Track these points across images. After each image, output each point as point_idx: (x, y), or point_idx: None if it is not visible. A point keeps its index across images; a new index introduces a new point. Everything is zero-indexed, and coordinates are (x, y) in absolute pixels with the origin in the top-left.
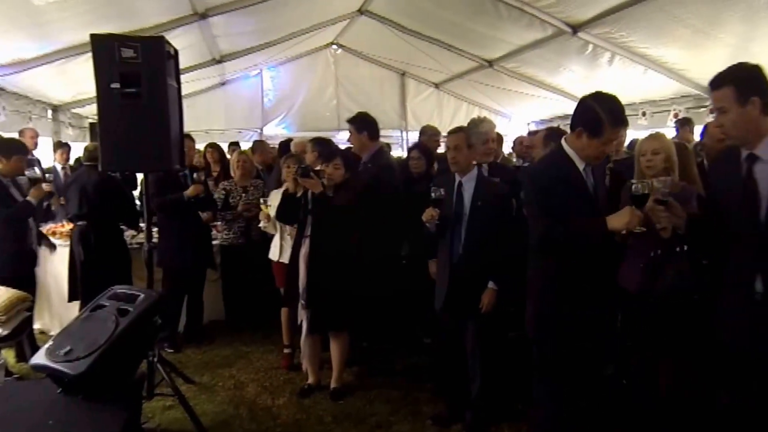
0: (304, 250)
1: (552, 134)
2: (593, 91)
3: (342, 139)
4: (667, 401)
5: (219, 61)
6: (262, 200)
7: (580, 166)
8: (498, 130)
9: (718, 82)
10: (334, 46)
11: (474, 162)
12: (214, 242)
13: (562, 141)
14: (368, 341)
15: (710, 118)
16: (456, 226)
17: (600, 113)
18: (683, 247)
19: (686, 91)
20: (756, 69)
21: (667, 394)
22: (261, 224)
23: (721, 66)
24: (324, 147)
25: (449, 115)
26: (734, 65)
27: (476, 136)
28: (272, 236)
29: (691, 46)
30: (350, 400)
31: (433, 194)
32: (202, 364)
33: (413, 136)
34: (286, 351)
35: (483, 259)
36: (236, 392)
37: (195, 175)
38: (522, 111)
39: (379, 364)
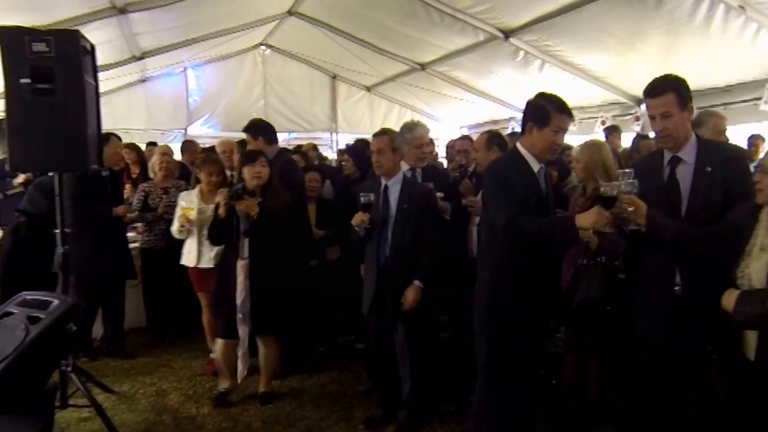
0: (242, 262)
1: (493, 137)
2: (526, 96)
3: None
4: (596, 400)
5: (140, 58)
6: (182, 203)
7: (535, 168)
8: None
9: (660, 89)
10: (263, 47)
11: (409, 164)
12: (134, 245)
13: (517, 144)
14: (302, 344)
15: (636, 126)
16: (383, 229)
17: (545, 104)
18: (602, 259)
19: (613, 98)
20: (685, 80)
21: (597, 393)
22: (175, 227)
23: (645, 76)
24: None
25: (380, 117)
26: (668, 75)
27: (409, 140)
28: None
29: (618, 57)
30: (279, 405)
31: (362, 199)
32: (122, 372)
33: (344, 139)
34: (212, 356)
35: (409, 260)
36: (158, 400)
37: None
38: (454, 115)
39: (311, 367)
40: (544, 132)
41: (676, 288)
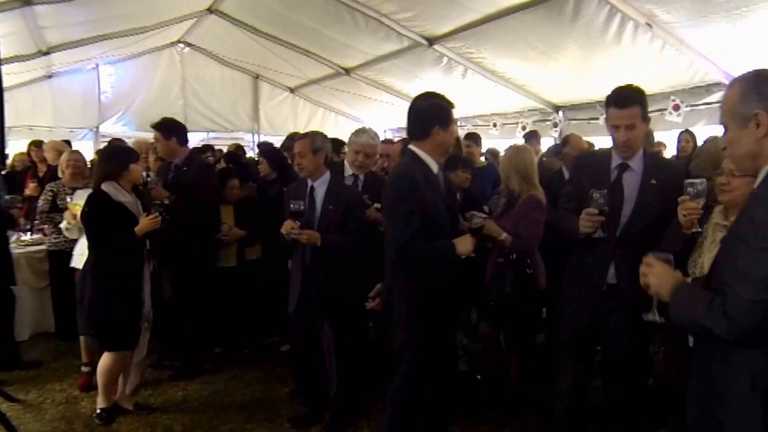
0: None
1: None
2: (459, 106)
3: (189, 139)
4: (517, 393)
5: (46, 53)
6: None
7: (435, 170)
8: None
9: (628, 101)
10: (181, 45)
11: (352, 171)
12: (40, 247)
13: (413, 148)
14: (221, 347)
15: (554, 132)
16: (308, 229)
17: (443, 103)
18: (514, 256)
19: (533, 105)
20: (645, 93)
21: (518, 385)
22: (63, 224)
23: (562, 85)
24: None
25: (304, 119)
26: (633, 87)
27: (350, 143)
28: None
29: (537, 66)
30: (201, 408)
31: (292, 206)
32: (28, 381)
33: (268, 140)
34: (84, 370)
35: (334, 260)
36: (69, 408)
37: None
38: (378, 118)
39: (233, 370)
40: (448, 130)
41: (609, 283)
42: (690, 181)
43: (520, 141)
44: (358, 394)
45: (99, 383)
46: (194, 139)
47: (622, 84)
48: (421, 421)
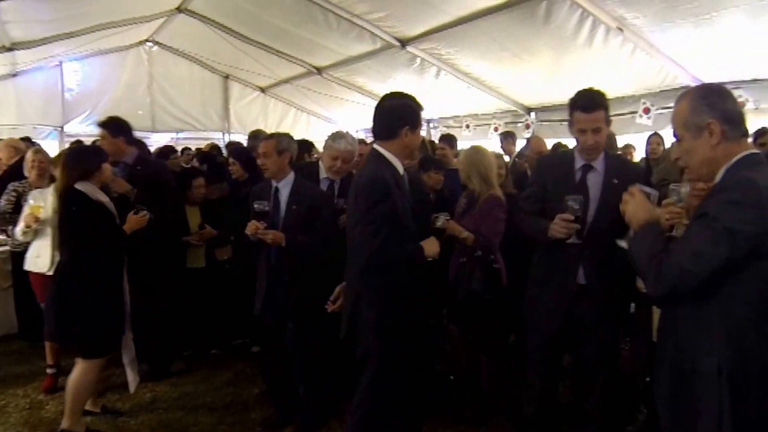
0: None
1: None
2: (427, 104)
3: (158, 140)
4: (488, 393)
5: (9, 49)
6: (30, 201)
7: (400, 170)
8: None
9: (594, 105)
10: (149, 43)
11: (327, 175)
12: (4, 248)
13: (379, 149)
14: (190, 349)
15: (527, 133)
16: (272, 230)
17: (413, 105)
18: (478, 253)
19: (506, 107)
20: (606, 95)
21: (489, 386)
22: (20, 227)
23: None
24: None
25: (275, 119)
26: (596, 91)
27: (327, 147)
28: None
29: (509, 68)
30: (170, 411)
31: (256, 207)
32: None
33: (237, 139)
34: (49, 371)
35: (299, 260)
36: (33, 414)
37: None
38: (350, 118)
39: (203, 372)
40: (416, 132)
41: (579, 284)
42: (675, 186)
43: (493, 142)
44: (327, 394)
45: (71, 400)
46: (163, 139)
47: (594, 87)
48: (391, 423)
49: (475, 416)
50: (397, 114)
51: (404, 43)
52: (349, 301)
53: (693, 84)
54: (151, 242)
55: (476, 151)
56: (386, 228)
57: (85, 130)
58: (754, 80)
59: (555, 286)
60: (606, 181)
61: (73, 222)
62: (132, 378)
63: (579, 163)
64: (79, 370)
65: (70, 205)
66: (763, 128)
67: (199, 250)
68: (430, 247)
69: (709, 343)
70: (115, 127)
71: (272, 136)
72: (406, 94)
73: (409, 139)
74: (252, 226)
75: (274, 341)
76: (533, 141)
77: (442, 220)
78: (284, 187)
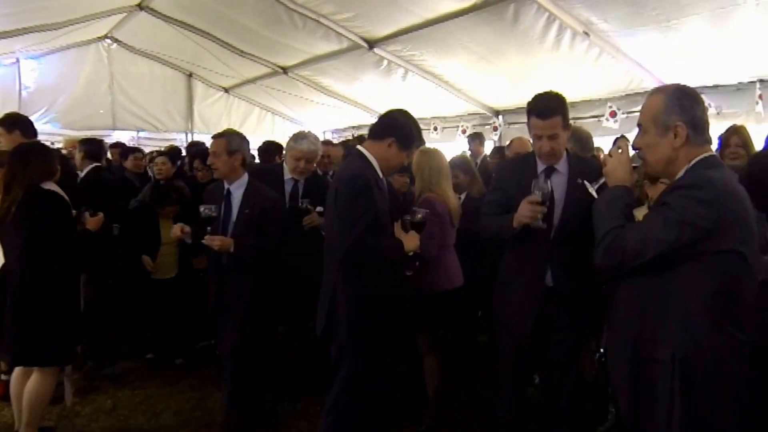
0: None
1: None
2: (394, 106)
3: (118, 138)
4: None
5: None
6: None
7: (380, 173)
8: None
9: (549, 112)
10: (108, 40)
11: (291, 175)
12: None
13: (362, 149)
14: (154, 353)
15: (494, 135)
16: (223, 233)
17: (413, 131)
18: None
19: (473, 109)
20: (566, 100)
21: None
22: None
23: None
24: (92, 146)
25: (239, 119)
26: (553, 95)
27: (290, 149)
28: None
29: (477, 70)
30: (132, 415)
31: (201, 211)
32: None
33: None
34: (4, 378)
35: (248, 265)
36: None
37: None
38: (317, 119)
39: (167, 375)
40: (402, 154)
41: (548, 286)
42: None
43: (460, 144)
44: (258, 399)
45: (29, 411)
46: (123, 138)
47: (560, 91)
48: (365, 423)
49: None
50: (391, 124)
51: (371, 44)
52: (326, 298)
53: None
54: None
55: (423, 153)
56: (364, 223)
57: (43, 128)
58: (716, 86)
59: (523, 288)
60: (570, 182)
61: (41, 224)
62: (69, 391)
63: (541, 165)
64: (36, 379)
65: (39, 206)
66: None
67: (168, 260)
68: (410, 241)
69: (665, 333)
70: (9, 121)
71: (223, 134)
72: (413, 118)
73: (391, 151)
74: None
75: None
76: (515, 141)
77: (422, 213)
78: (236, 190)
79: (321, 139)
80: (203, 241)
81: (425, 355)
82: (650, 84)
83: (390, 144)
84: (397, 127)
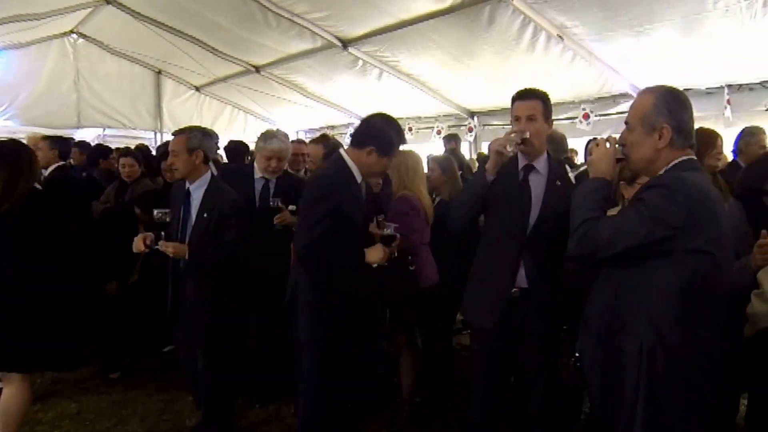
0: None
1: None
2: (368, 106)
3: (83, 136)
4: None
5: None
6: None
7: (358, 179)
8: None
9: (530, 94)
10: (74, 36)
11: (261, 174)
12: None
13: (342, 153)
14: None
15: (469, 137)
16: (182, 236)
17: (393, 136)
18: (395, 255)
19: (448, 110)
20: (549, 96)
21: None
22: None
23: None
24: (62, 145)
25: (210, 118)
26: (537, 89)
27: (260, 149)
28: None
29: (452, 71)
30: (99, 421)
31: (155, 215)
32: None
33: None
34: None
35: (205, 269)
36: None
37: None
38: (290, 118)
39: (133, 379)
40: (382, 160)
41: (521, 287)
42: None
43: (435, 145)
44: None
45: (11, 423)
46: (88, 136)
47: None
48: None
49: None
50: (371, 133)
51: (346, 43)
52: (290, 290)
53: (630, 91)
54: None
55: (400, 153)
56: (325, 224)
57: (3, 125)
58: (687, 89)
59: (493, 287)
60: (549, 182)
61: (45, 228)
62: None
63: (522, 162)
64: (17, 389)
65: (39, 209)
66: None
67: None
68: (374, 254)
69: (635, 327)
70: None
71: (183, 131)
72: (395, 122)
73: (372, 159)
74: (138, 242)
75: (185, 346)
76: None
77: (391, 227)
78: (196, 190)
79: (294, 138)
80: (157, 246)
81: (401, 354)
82: (622, 88)
83: (369, 152)
84: (377, 136)
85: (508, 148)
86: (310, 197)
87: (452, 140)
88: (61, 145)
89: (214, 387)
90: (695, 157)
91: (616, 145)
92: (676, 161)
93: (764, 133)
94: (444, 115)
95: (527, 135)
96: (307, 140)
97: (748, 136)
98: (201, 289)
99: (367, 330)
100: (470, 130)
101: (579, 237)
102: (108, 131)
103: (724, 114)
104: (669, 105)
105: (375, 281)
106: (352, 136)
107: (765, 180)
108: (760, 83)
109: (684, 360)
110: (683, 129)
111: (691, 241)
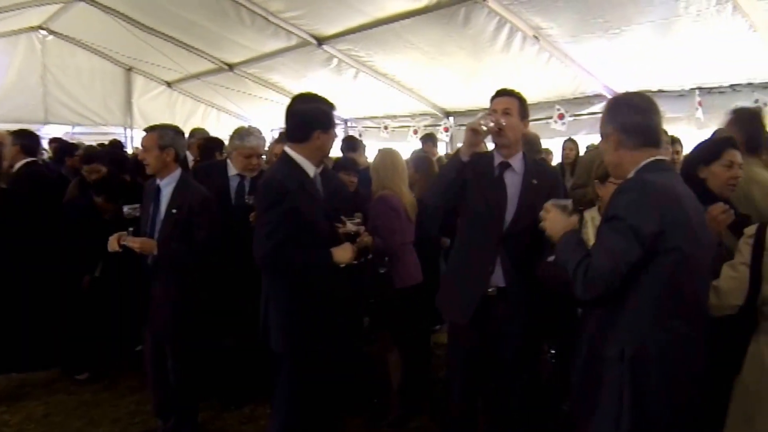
0: None
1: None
2: (344, 103)
3: (50, 133)
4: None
5: None
6: None
7: (311, 172)
8: None
9: (508, 92)
10: (43, 31)
11: (237, 171)
12: None
13: (289, 151)
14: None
15: (445, 137)
16: (152, 232)
17: (326, 109)
18: (370, 256)
19: (424, 110)
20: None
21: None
22: None
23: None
24: (29, 140)
25: (183, 115)
26: (512, 89)
27: (237, 147)
28: None
29: (427, 71)
30: (68, 423)
31: (125, 211)
32: None
33: (140, 135)
34: None
35: (174, 268)
36: None
37: None
38: (265, 116)
39: (104, 379)
40: (330, 135)
41: (497, 286)
42: (556, 201)
43: (411, 144)
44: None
45: None
46: (57, 133)
47: None
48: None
49: (397, 418)
50: (308, 118)
51: (321, 41)
52: (263, 301)
53: (605, 92)
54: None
55: (380, 153)
56: (283, 230)
57: None
58: (660, 91)
59: (469, 284)
60: (525, 181)
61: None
62: None
63: (497, 160)
64: None
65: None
66: (672, 137)
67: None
68: (341, 253)
69: (615, 333)
70: None
71: (155, 128)
72: (317, 97)
73: (322, 141)
74: (113, 242)
75: (152, 346)
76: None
77: (349, 224)
78: (166, 187)
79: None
80: (124, 242)
81: (388, 351)
82: (596, 89)
83: (317, 137)
84: (315, 118)
85: (482, 122)
86: (264, 203)
87: (429, 140)
88: (25, 139)
89: (183, 387)
90: (664, 159)
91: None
92: (643, 163)
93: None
94: (420, 114)
95: (504, 123)
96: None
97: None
98: (169, 287)
99: (342, 334)
100: (446, 129)
101: (582, 281)
102: (77, 128)
103: (695, 115)
104: (612, 110)
105: (350, 283)
106: (288, 134)
107: (698, 165)
108: (730, 86)
109: (667, 361)
110: (631, 129)
111: (665, 242)
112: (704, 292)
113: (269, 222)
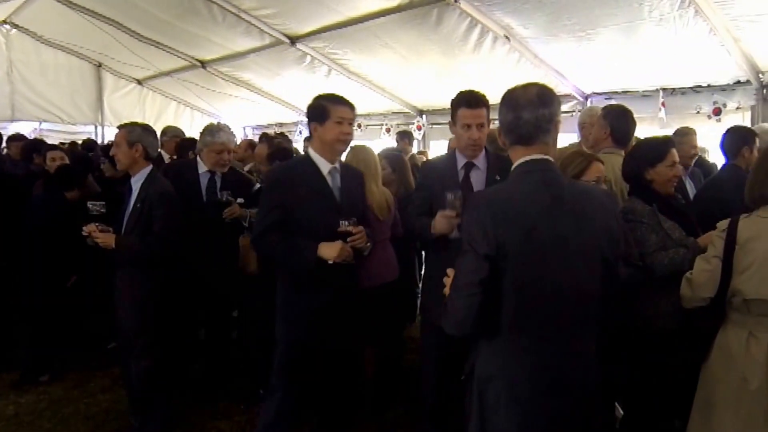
0: None
1: (277, 154)
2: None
3: (17, 129)
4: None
5: None
6: None
7: (324, 169)
8: None
9: (479, 102)
10: (7, 26)
11: (208, 168)
12: None
13: (308, 149)
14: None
15: (418, 135)
16: (119, 229)
17: (321, 102)
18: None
19: (397, 108)
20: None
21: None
22: None
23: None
24: None
25: (154, 113)
26: (478, 92)
27: (208, 143)
28: None
29: (400, 70)
30: (38, 422)
31: (89, 208)
32: None
33: (111, 133)
34: None
35: (132, 261)
36: None
37: None
38: (238, 114)
39: (75, 378)
40: (326, 126)
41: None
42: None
43: (384, 142)
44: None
45: None
46: (23, 130)
47: (479, 91)
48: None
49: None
50: (308, 114)
51: (294, 40)
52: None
53: (574, 93)
54: None
55: (351, 149)
56: (274, 216)
57: None
58: (625, 92)
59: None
60: (489, 178)
61: None
62: None
63: (461, 162)
64: None
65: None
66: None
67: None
68: (327, 250)
69: (476, 350)
70: None
71: (125, 125)
72: (325, 94)
73: (320, 133)
74: (90, 230)
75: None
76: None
77: (343, 224)
78: (136, 183)
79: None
80: (87, 240)
81: (364, 347)
82: (566, 89)
83: (315, 129)
84: (311, 113)
85: (454, 235)
86: (265, 189)
87: (405, 138)
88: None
89: (148, 384)
90: (537, 156)
91: None
92: (516, 164)
93: (695, 133)
94: (393, 112)
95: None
96: (256, 137)
97: (680, 135)
98: (133, 281)
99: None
100: (419, 128)
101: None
102: (45, 125)
103: (659, 116)
104: (499, 111)
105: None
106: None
107: (644, 168)
108: (691, 87)
109: (503, 377)
110: (507, 128)
111: (504, 258)
112: (554, 296)
113: (260, 208)
